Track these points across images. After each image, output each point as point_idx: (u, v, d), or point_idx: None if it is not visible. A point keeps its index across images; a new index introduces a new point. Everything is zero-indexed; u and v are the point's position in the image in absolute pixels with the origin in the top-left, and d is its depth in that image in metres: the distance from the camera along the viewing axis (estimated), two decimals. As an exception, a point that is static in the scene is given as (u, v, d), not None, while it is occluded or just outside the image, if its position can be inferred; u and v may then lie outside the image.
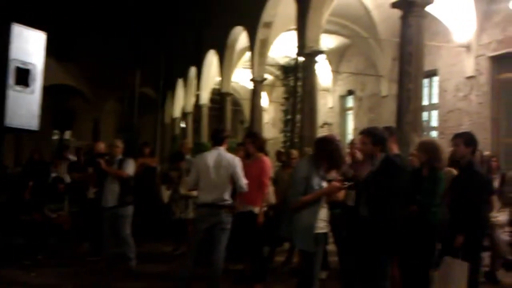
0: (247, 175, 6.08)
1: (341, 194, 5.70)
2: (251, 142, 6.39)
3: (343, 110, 19.19)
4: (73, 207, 9.31)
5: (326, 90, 19.34)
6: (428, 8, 8.71)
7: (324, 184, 4.72)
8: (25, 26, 3.14)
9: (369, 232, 4.70)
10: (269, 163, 6.42)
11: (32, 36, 3.21)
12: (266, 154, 6.86)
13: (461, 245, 5.04)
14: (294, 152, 7.72)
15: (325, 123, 18.29)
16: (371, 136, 4.81)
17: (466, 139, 5.33)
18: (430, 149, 5.47)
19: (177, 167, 8.88)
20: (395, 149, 5.97)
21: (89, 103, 29.41)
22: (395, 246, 4.68)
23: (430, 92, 14.17)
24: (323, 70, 17.99)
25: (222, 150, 5.82)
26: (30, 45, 3.16)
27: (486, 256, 7.05)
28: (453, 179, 5.47)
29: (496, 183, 7.86)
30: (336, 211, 6.41)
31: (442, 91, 13.42)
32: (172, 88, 26.45)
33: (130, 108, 24.36)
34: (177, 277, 5.80)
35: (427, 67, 10.79)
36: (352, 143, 6.72)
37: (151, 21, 26.83)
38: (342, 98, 19.11)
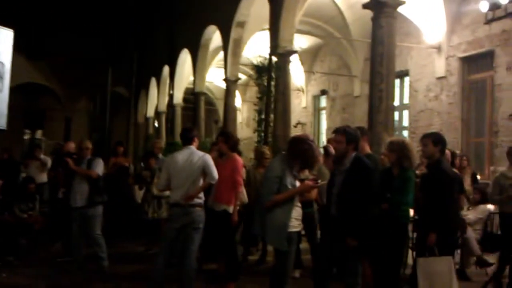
0: (220, 174, 6.07)
1: (313, 193, 5.76)
2: (223, 141, 6.38)
3: (317, 110, 19.32)
4: (45, 207, 9.17)
5: (300, 90, 19.45)
6: (399, 9, 8.83)
7: (297, 183, 4.76)
8: (-8, 23, 3.07)
9: (340, 231, 4.73)
10: (241, 162, 6.43)
11: (-1, 33, 3.12)
12: (239, 153, 6.86)
13: (434, 243, 5.13)
14: (267, 152, 7.73)
15: (299, 123, 18.39)
16: (345, 135, 4.86)
17: (435, 139, 5.46)
18: (399, 148, 5.54)
19: (148, 167, 8.83)
20: (367, 148, 6.05)
21: (61, 102, 29.00)
22: (365, 244, 4.72)
23: (402, 92, 14.37)
24: (296, 70, 18.09)
25: (193, 148, 5.81)
26: (-3, 43, 3.08)
27: (457, 254, 7.20)
28: (422, 178, 5.55)
29: (466, 182, 8.06)
30: (308, 210, 6.46)
31: (413, 92, 13.62)
32: (145, 87, 26.25)
33: (102, 107, 24.12)
34: (150, 277, 5.75)
35: (399, 67, 10.96)
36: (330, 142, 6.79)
37: (124, 20, 26.57)
38: (316, 98, 19.25)
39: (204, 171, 5.67)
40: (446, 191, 5.25)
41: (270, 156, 7.57)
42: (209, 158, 5.78)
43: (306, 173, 5.86)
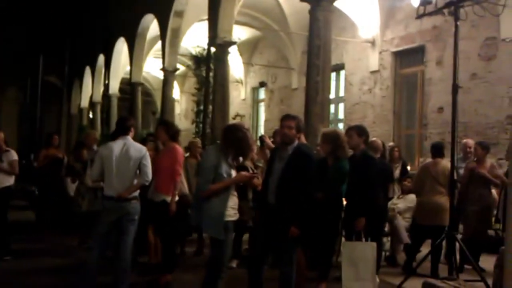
0: (159, 164, 5.98)
1: (258, 182, 5.76)
2: (163, 130, 6.25)
3: (255, 102, 19.43)
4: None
5: (239, 81, 19.47)
6: (336, 4, 9.00)
7: (233, 172, 4.75)
8: None
9: (277, 219, 4.77)
10: (182, 152, 6.35)
11: None
12: (179, 144, 6.76)
13: (363, 228, 5.32)
14: (198, 142, 7.76)
15: (237, 115, 18.43)
16: (296, 122, 4.90)
17: (359, 130, 5.95)
18: (333, 139, 5.71)
19: (80, 158, 8.56)
20: (303, 139, 6.14)
21: (-13, 91, 27.66)
22: (301, 233, 4.79)
23: (338, 85, 14.68)
24: (235, 62, 18.08)
25: (129, 139, 5.64)
26: None
27: (386, 241, 7.46)
28: (350, 167, 5.74)
29: (397, 172, 8.34)
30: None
31: (348, 85, 13.95)
32: (79, 76, 25.48)
33: (33, 97, 23.15)
34: (84, 270, 5.60)
35: (335, 61, 11.18)
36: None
37: (56, 5, 25.57)
38: (254, 90, 19.34)
39: (139, 168, 5.55)
40: (372, 179, 5.52)
41: (201, 146, 7.58)
42: (147, 154, 5.61)
43: (247, 162, 5.91)
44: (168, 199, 6.02)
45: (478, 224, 6.90)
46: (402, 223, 7.40)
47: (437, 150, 6.93)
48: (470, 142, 7.78)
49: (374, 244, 5.44)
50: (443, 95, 10.21)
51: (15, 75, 26.79)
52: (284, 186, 4.76)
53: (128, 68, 19.69)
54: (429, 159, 8.36)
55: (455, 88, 6.13)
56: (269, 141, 6.94)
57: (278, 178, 4.83)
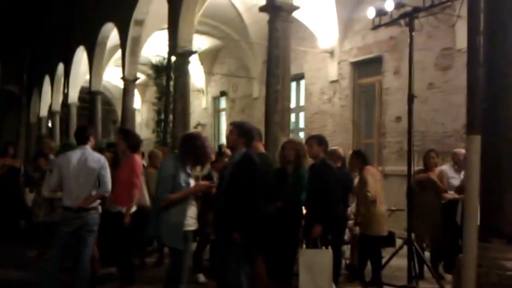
0: (117, 174, 5.92)
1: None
2: (122, 139, 6.10)
3: (217, 111, 19.45)
4: None
5: (200, 91, 19.47)
6: (295, 14, 9.13)
7: (192, 182, 4.77)
8: None
9: (223, 224, 4.78)
10: (140, 162, 6.28)
11: None
12: (141, 154, 6.67)
13: (319, 235, 5.42)
14: (158, 152, 7.72)
15: (199, 124, 18.43)
16: (237, 128, 4.92)
17: (319, 140, 6.06)
18: (296, 147, 5.85)
19: (38, 168, 8.42)
20: (260, 148, 6.20)
21: None
22: (254, 240, 4.78)
23: (298, 95, 14.86)
24: (196, 71, 18.09)
25: (87, 149, 5.59)
26: None
27: (346, 249, 7.54)
28: (309, 176, 5.84)
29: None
30: None
31: (308, 94, 14.13)
32: (38, 85, 24.96)
33: (-10, 105, 22.58)
34: (41, 282, 5.50)
35: (295, 70, 11.33)
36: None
37: (14, 12, 25.04)
38: (216, 99, 19.36)
39: (98, 179, 5.49)
40: (330, 187, 5.63)
41: (161, 156, 7.52)
42: (105, 165, 5.56)
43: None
44: (123, 210, 5.93)
45: (433, 231, 7.08)
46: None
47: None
48: (463, 151, 7.81)
49: (330, 251, 5.54)
50: (401, 105, 10.38)
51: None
52: (230, 192, 4.75)
53: (88, 77, 19.43)
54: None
55: (411, 98, 6.34)
56: (227, 150, 6.97)
57: (225, 183, 4.86)
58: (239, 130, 4.87)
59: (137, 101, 20.81)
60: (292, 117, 14.22)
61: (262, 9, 8.83)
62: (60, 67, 21.91)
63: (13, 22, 25.17)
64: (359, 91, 12.74)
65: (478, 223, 4.42)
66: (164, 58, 12.80)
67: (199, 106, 19.48)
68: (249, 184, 4.71)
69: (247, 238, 4.65)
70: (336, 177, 5.87)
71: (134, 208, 5.99)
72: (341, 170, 6.66)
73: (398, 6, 6.42)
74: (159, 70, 15.78)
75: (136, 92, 18.21)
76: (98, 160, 5.54)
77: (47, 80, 24.12)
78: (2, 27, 24.85)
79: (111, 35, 17.06)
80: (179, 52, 12.03)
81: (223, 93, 18.63)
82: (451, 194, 7.17)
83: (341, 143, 11.37)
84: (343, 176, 6.61)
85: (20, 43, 24.59)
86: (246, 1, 13.54)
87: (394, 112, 11.33)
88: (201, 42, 16.48)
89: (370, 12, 6.85)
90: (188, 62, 12.31)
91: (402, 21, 6.51)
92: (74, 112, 20.87)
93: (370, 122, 12.52)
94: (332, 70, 13.07)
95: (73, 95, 20.89)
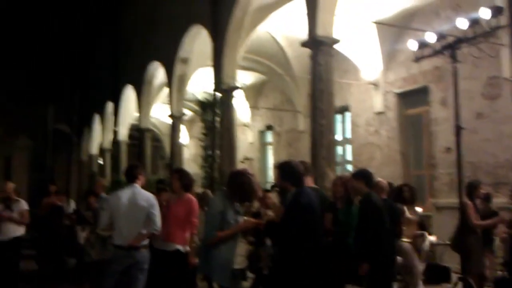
0: (172, 213, 5.97)
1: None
2: (177, 178, 6.18)
3: (263, 145, 19.51)
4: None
5: (246, 125, 19.63)
6: (337, 47, 9.16)
7: (240, 219, 4.77)
8: None
9: (277, 268, 4.72)
10: (196, 202, 6.28)
11: None
12: (193, 193, 6.71)
13: (366, 274, 5.25)
14: (209, 193, 7.77)
15: (246, 158, 18.50)
16: (280, 171, 4.79)
17: (358, 175, 5.82)
18: (344, 183, 5.77)
19: (89, 207, 8.62)
20: (310, 183, 6.14)
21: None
22: (302, 282, 4.69)
23: (344, 127, 14.77)
24: (241, 106, 18.29)
25: (137, 187, 5.70)
26: None
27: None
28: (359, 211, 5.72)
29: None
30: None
31: (355, 126, 14.02)
32: (88, 124, 25.79)
33: (44, 145, 23.41)
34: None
35: (339, 103, 11.32)
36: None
37: (65, 56, 26.18)
38: (261, 133, 19.46)
39: (148, 217, 5.57)
40: (374, 222, 5.44)
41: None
42: (155, 204, 5.66)
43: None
44: (182, 248, 5.96)
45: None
46: (417, 264, 7.12)
47: None
48: None
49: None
50: (450, 135, 10.08)
51: (25, 123, 27.17)
52: (283, 233, 4.65)
53: (136, 114, 19.96)
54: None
55: (458, 130, 6.21)
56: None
57: (280, 225, 4.80)
58: (282, 173, 4.76)
59: (184, 137, 21.15)
60: (339, 149, 14.16)
61: (304, 44, 8.89)
62: (110, 105, 22.59)
63: (64, 65, 26.31)
64: (406, 122, 12.56)
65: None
66: (210, 94, 12.99)
67: (245, 140, 19.61)
68: (294, 226, 4.62)
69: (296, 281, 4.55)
70: (380, 212, 5.65)
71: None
72: (386, 202, 6.48)
73: (440, 37, 6.36)
74: (205, 106, 16.02)
75: (183, 128, 18.54)
76: (148, 198, 5.64)
77: (97, 118, 24.91)
78: (54, 72, 26.01)
79: (158, 73, 17.53)
80: (224, 88, 12.21)
81: (269, 127, 18.74)
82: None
83: (390, 175, 11.13)
84: (389, 208, 6.42)
85: (71, 85, 25.59)
86: (288, 36, 13.69)
87: (443, 142, 11.08)
88: (245, 77, 16.71)
89: (412, 45, 6.81)
90: (232, 98, 12.48)
91: (444, 52, 6.43)
92: (123, 149, 21.36)
93: (419, 154, 12.27)
94: (378, 101, 12.97)
95: (123, 133, 21.43)
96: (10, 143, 28.16)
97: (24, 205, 7.78)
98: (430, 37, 6.47)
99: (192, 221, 6.02)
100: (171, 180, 6.42)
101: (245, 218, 4.97)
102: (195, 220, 6.07)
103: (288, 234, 4.57)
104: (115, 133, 21.59)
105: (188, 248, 6.03)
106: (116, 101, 21.22)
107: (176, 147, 15.84)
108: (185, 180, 6.17)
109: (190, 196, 6.18)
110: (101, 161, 25.15)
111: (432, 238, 7.71)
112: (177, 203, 6.14)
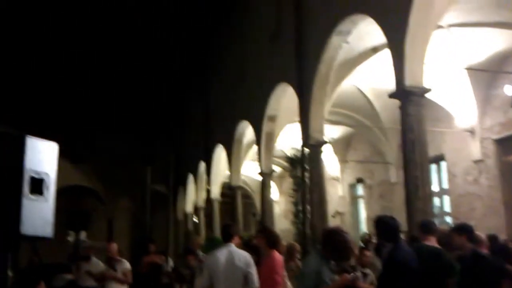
0: (260, 271, 5.99)
1: (365, 286, 5.55)
2: (261, 238, 6.31)
3: (354, 198, 19.15)
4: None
5: (335, 179, 19.42)
6: (428, 96, 8.90)
7: (336, 278, 4.68)
8: (38, 138, 3.27)
9: None
10: (279, 258, 6.29)
11: (45, 146, 3.32)
12: (279, 250, 6.71)
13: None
14: (296, 245, 7.70)
15: (337, 212, 18.21)
16: (377, 227, 4.76)
17: (458, 230, 5.60)
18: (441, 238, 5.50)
19: (187, 265, 8.80)
20: (433, 242, 5.50)
21: (103, 203, 29.57)
22: None
23: (440, 177, 14.19)
24: (330, 160, 18.18)
25: (232, 247, 5.78)
26: (43, 155, 3.26)
27: None
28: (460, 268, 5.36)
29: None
30: None
31: (451, 176, 13.45)
32: (183, 183, 26.70)
33: (143, 205, 24.45)
34: None
35: (434, 152, 10.94)
36: None
37: (160, 121, 27.67)
38: (352, 186, 19.15)
39: (246, 276, 5.62)
40: (488, 280, 5.10)
41: (300, 250, 7.48)
42: (252, 263, 5.73)
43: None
44: None
45: None
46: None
47: None
48: None
49: None
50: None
51: (126, 186, 28.65)
52: None
53: (227, 172, 20.41)
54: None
55: None
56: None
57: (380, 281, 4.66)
58: (378, 230, 4.71)
59: (274, 193, 21.25)
60: (436, 201, 13.56)
61: (392, 95, 8.69)
62: (202, 165, 23.30)
63: (159, 129, 27.80)
64: (508, 169, 11.87)
65: None
66: (298, 150, 13.07)
67: (335, 194, 19.35)
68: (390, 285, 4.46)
69: None
70: (487, 267, 5.27)
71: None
72: (492, 258, 5.98)
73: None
74: (293, 162, 16.11)
75: (273, 184, 18.67)
76: (244, 258, 5.70)
77: (191, 178, 25.74)
78: (151, 136, 27.51)
79: (247, 131, 17.94)
80: (312, 143, 12.20)
81: (359, 180, 18.42)
82: None
83: (493, 228, 10.46)
84: (495, 264, 5.92)
85: (166, 147, 26.85)
86: (375, 88, 13.61)
87: (551, 189, 10.34)
88: (333, 131, 16.68)
89: (508, 90, 6.54)
90: (321, 152, 12.43)
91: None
92: (216, 207, 21.78)
93: (524, 202, 11.50)
94: (475, 149, 12.41)
95: (215, 191, 21.92)
96: (113, 205, 29.74)
97: (127, 265, 8.10)
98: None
99: (274, 279, 5.95)
100: (256, 240, 6.49)
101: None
102: (278, 279, 6.02)
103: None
104: (208, 191, 22.13)
105: None
106: (208, 161, 21.86)
107: (266, 203, 15.93)
108: (268, 237, 6.29)
109: (274, 253, 6.19)
110: (196, 219, 25.76)
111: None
112: (263, 261, 6.20)
